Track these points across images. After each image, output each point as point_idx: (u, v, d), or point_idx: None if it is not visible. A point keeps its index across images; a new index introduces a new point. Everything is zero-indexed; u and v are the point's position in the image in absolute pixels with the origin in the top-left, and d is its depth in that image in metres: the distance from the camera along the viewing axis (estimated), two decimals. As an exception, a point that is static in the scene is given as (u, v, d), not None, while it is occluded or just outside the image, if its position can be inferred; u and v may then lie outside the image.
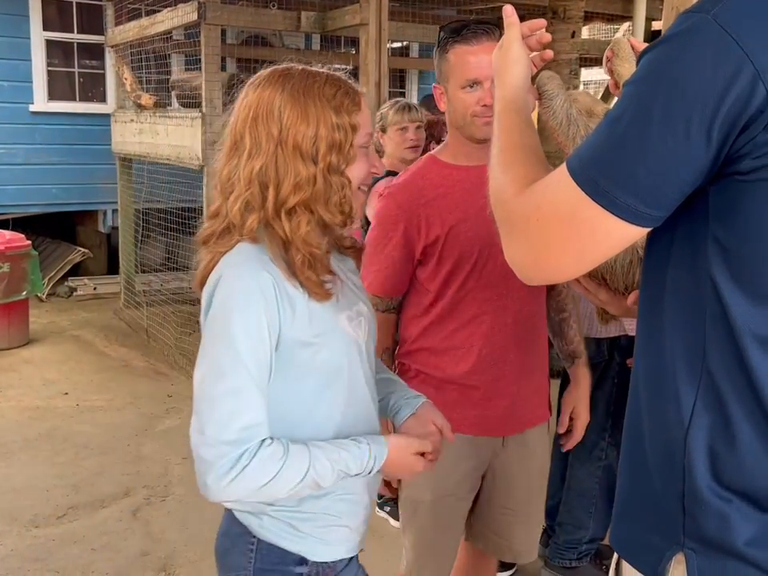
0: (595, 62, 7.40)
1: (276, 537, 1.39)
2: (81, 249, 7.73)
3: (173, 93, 6.71)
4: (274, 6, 5.63)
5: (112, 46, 6.84)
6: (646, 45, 1.32)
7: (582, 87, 7.55)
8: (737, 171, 0.88)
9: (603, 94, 6.35)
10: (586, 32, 8.20)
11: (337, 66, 1.44)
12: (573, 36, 5.52)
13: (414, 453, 1.43)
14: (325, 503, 1.41)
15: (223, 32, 6.61)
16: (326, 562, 1.42)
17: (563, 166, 0.97)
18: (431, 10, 7.24)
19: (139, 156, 6.43)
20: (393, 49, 8.81)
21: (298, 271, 1.32)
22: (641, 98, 0.90)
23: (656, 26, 6.29)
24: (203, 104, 5.13)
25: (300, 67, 1.38)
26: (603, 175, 0.91)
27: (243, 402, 1.27)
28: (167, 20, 5.55)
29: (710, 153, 0.87)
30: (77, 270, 7.81)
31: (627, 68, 1.32)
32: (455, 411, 1.90)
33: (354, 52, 8.36)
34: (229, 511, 1.46)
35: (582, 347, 2.20)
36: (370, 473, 1.37)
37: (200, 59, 5.17)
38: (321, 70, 1.39)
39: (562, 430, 1.81)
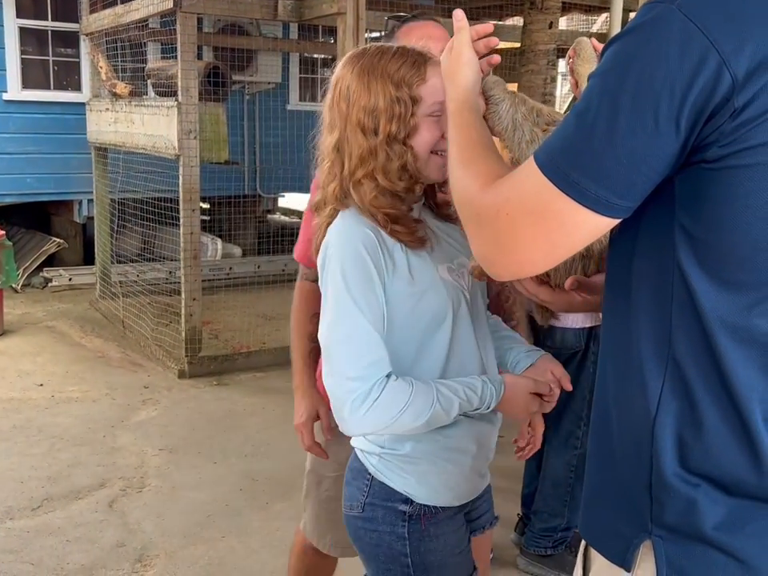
0: (573, 52, 7.40)
1: (385, 477, 1.52)
2: (56, 239, 7.66)
3: (148, 81, 6.65)
4: (250, -6, 5.59)
5: (87, 34, 6.75)
6: None
7: (559, 78, 7.56)
8: (703, 160, 0.89)
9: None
10: (563, 23, 8.21)
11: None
12: (550, 27, 5.52)
13: (529, 392, 1.52)
14: (428, 448, 1.50)
15: (200, 20, 6.57)
16: (429, 506, 1.51)
17: (531, 160, 0.97)
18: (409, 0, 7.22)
19: (114, 145, 6.36)
20: (371, 38, 8.78)
21: (383, 228, 1.45)
22: (608, 89, 0.90)
23: (632, 16, 6.31)
24: (179, 93, 5.08)
25: (376, 45, 1.49)
26: (573, 167, 0.91)
27: (364, 341, 1.40)
28: (142, 8, 5.49)
29: (678, 142, 0.88)
30: (52, 261, 7.74)
31: (588, 69, 1.33)
32: None
33: (332, 41, 8.34)
34: (353, 449, 1.60)
35: None
36: (488, 408, 1.48)
37: (176, 48, 5.12)
38: (393, 45, 1.48)
39: (522, 443, 1.83)
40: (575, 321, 2.82)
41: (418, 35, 1.94)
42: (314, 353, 2.02)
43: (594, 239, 0.98)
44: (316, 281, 2.05)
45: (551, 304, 1.40)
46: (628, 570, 1.00)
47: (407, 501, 1.50)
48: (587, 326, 2.84)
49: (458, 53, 1.27)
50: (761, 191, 0.87)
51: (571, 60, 1.37)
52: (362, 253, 1.41)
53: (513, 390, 1.50)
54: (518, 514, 3.22)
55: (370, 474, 1.54)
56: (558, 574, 3.01)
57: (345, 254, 1.43)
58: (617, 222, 0.94)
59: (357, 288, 1.40)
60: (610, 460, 1.05)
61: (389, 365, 1.41)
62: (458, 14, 1.31)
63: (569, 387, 1.63)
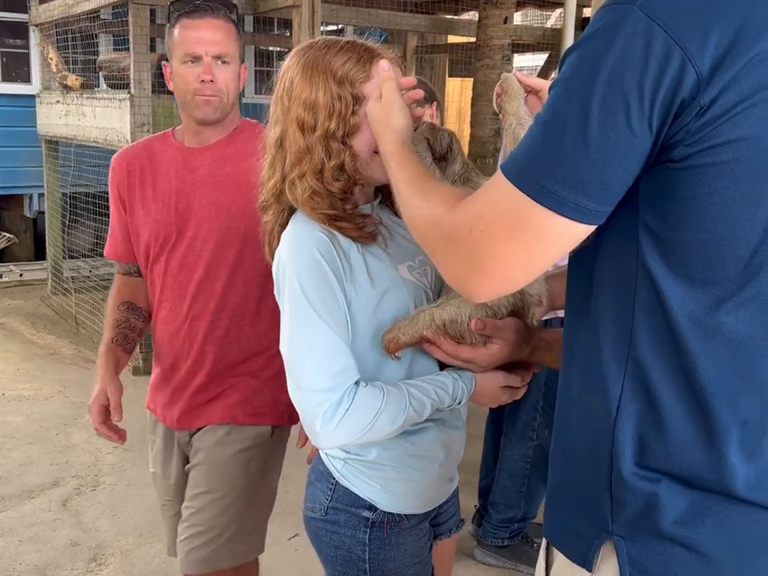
0: (528, 47, 7.47)
1: (350, 482, 1.49)
2: (6, 234, 7.48)
3: (100, 74, 6.54)
4: (204, -14, 5.52)
5: (36, 25, 6.61)
6: (535, 80, 1.36)
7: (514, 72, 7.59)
8: (669, 159, 0.89)
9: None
10: (518, 18, 8.26)
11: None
12: (505, 22, 5.55)
13: (500, 386, 1.50)
14: (395, 456, 1.48)
15: (153, 12, 6.47)
16: (393, 513, 1.49)
17: (499, 175, 0.95)
18: (365, -7, 7.20)
19: (66, 138, 6.25)
20: (327, 32, 8.75)
21: (330, 226, 1.40)
22: (575, 95, 0.89)
23: (587, 12, 6.38)
24: (132, 85, 5.00)
25: (326, 39, 1.44)
26: (546, 176, 0.90)
27: (328, 350, 1.35)
28: (93, -1, 5.40)
29: (650, 141, 0.88)
30: (2, 256, 7.59)
31: (515, 105, 1.34)
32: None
33: (287, 35, 8.28)
34: (318, 451, 1.57)
35: None
36: (459, 403, 1.46)
37: (128, 39, 5.04)
38: (343, 39, 1.42)
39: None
40: None
41: (194, 38, 1.89)
42: (117, 338, 2.05)
43: (571, 248, 0.96)
44: (126, 273, 2.15)
45: (474, 362, 1.41)
46: (589, 570, 1.00)
47: (371, 507, 1.49)
48: (543, 318, 2.86)
49: (389, 100, 1.30)
50: (726, 189, 0.87)
51: (499, 98, 1.38)
52: (317, 258, 1.36)
53: (483, 385, 1.49)
54: (475, 506, 3.24)
55: (334, 478, 1.52)
56: (514, 564, 3.05)
57: (299, 261, 1.37)
58: (593, 228, 0.94)
59: (315, 295, 1.35)
60: (570, 460, 1.06)
61: (357, 372, 1.37)
62: (384, 65, 1.35)
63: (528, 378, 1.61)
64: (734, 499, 0.95)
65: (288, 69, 1.43)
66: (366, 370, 1.42)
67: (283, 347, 1.40)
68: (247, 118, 2.13)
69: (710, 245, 0.90)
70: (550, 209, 0.90)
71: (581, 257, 1.02)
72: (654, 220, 0.92)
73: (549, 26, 8.12)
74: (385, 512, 1.49)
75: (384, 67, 1.35)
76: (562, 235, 0.92)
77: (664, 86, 0.85)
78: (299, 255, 1.38)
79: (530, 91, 1.36)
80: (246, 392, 2.04)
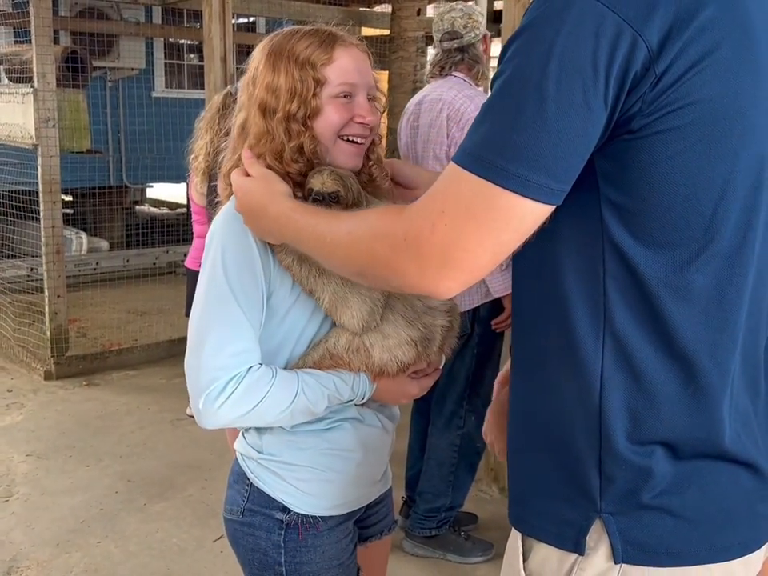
0: (440, 40, 7.49)
1: (263, 483, 1.47)
2: None
3: (1, 68, 6.28)
4: (109, -24, 5.36)
5: (-71, 17, 6.30)
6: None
7: (428, 66, 7.64)
8: (628, 131, 0.91)
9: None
10: (431, 10, 8.31)
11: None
12: (419, 13, 5.58)
13: (407, 375, 1.48)
14: (308, 455, 1.46)
15: (56, 3, 6.24)
16: (307, 515, 1.46)
17: (453, 168, 0.95)
18: (276, -16, 7.12)
19: (-35, 135, 5.97)
20: (239, 24, 8.62)
21: None
22: (528, 78, 0.90)
23: (498, 5, 6.44)
24: (35, 79, 4.81)
25: (292, 27, 1.45)
26: (509, 160, 0.90)
27: (232, 331, 1.34)
28: (-9, -12, 5.17)
29: (606, 117, 0.90)
30: None
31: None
32: None
33: (198, 26, 8.13)
34: (236, 452, 1.56)
35: None
36: (363, 398, 1.45)
37: (30, 32, 4.84)
38: (307, 27, 1.44)
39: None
40: (461, 304, 2.86)
41: None
42: None
43: (533, 230, 0.96)
44: None
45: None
46: (581, 553, 1.01)
47: (284, 509, 1.46)
48: (473, 306, 2.88)
49: (262, 173, 1.35)
50: (684, 151, 0.91)
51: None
52: (245, 236, 1.35)
53: (386, 380, 1.46)
54: (402, 497, 3.24)
55: (249, 479, 1.49)
56: (443, 554, 3.06)
57: (228, 237, 1.37)
58: (553, 208, 0.94)
59: (234, 273, 1.35)
60: (550, 449, 1.05)
61: (256, 357, 1.37)
62: (247, 153, 1.40)
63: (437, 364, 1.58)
64: (718, 460, 0.99)
65: (254, 58, 1.44)
66: (283, 353, 1.42)
67: (192, 317, 1.39)
68: None
69: (673, 208, 0.93)
70: (515, 192, 0.90)
71: (537, 242, 1.01)
72: (615, 193, 0.94)
73: (461, 19, 8.18)
74: (299, 514, 1.46)
75: (247, 155, 1.39)
76: (529, 217, 0.93)
77: (617, 63, 0.87)
78: (229, 228, 1.38)
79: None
80: None
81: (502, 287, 2.78)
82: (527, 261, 1.06)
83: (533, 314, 1.08)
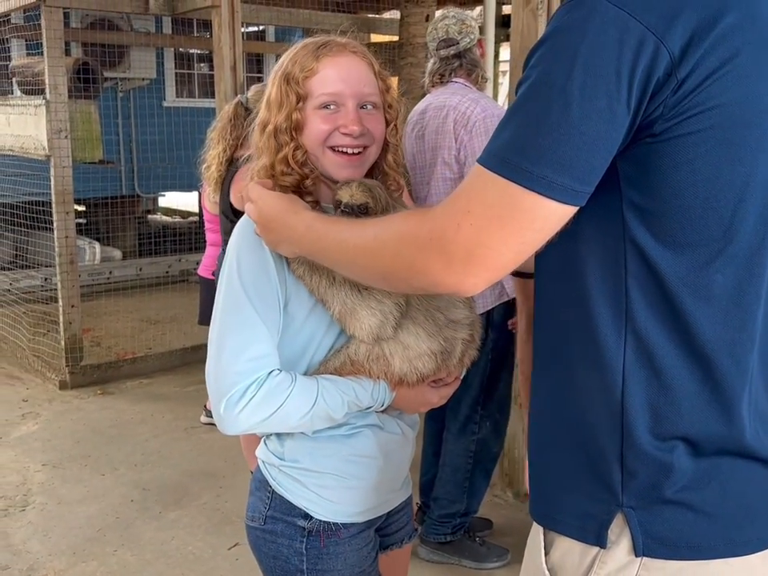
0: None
1: (285, 490, 1.48)
2: None
3: (13, 80, 6.33)
4: (120, -12, 5.39)
5: (-58, 30, 6.36)
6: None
7: (426, 76, 7.65)
8: (650, 134, 0.94)
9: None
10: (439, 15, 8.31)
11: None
12: (427, 19, 5.58)
13: (427, 384, 1.48)
14: (330, 462, 1.46)
15: (66, 15, 6.29)
16: (329, 522, 1.46)
17: (478, 168, 0.97)
18: (285, -7, 7.15)
19: (-21, 148, 6.02)
20: (248, 32, 8.66)
21: None
22: (553, 83, 0.92)
23: (506, 9, 6.44)
24: (47, 91, 4.85)
25: (303, 40, 1.47)
26: (534, 163, 0.92)
27: (249, 335, 1.35)
28: (3, 2, 5.22)
29: (629, 121, 0.93)
30: None
31: None
32: None
33: (208, 36, 8.16)
34: (258, 459, 1.56)
35: None
36: (382, 406, 1.45)
37: (42, 44, 4.88)
38: (308, 40, 1.46)
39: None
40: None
41: None
42: None
43: (557, 230, 0.99)
44: None
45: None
46: (603, 546, 1.03)
47: (306, 516, 1.46)
48: (486, 309, 2.87)
49: (262, 195, 1.35)
50: (705, 155, 0.94)
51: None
52: (260, 246, 1.37)
53: (407, 388, 1.46)
54: (417, 503, 3.24)
55: (270, 486, 1.49)
56: (458, 559, 3.05)
57: (243, 245, 1.39)
58: (576, 209, 0.97)
59: (249, 279, 1.36)
60: (568, 446, 1.08)
61: (275, 361, 1.37)
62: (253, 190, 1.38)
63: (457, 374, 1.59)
64: (738, 456, 1.02)
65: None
66: (303, 361, 1.43)
67: (211, 325, 1.41)
68: None
69: (694, 209, 0.96)
70: (540, 193, 0.93)
71: (558, 244, 1.04)
72: (637, 195, 0.97)
73: (469, 24, 8.19)
74: (321, 521, 1.46)
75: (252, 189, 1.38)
76: (552, 218, 0.95)
77: (639, 69, 0.90)
78: (242, 241, 1.40)
79: None
80: None
81: None
82: (550, 261, 1.09)
83: (554, 313, 1.10)
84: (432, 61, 3.00)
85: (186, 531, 3.31)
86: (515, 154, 0.94)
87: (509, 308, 2.88)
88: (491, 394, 2.97)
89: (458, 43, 2.89)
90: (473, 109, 2.76)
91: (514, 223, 0.95)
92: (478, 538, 3.09)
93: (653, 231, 0.97)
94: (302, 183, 1.42)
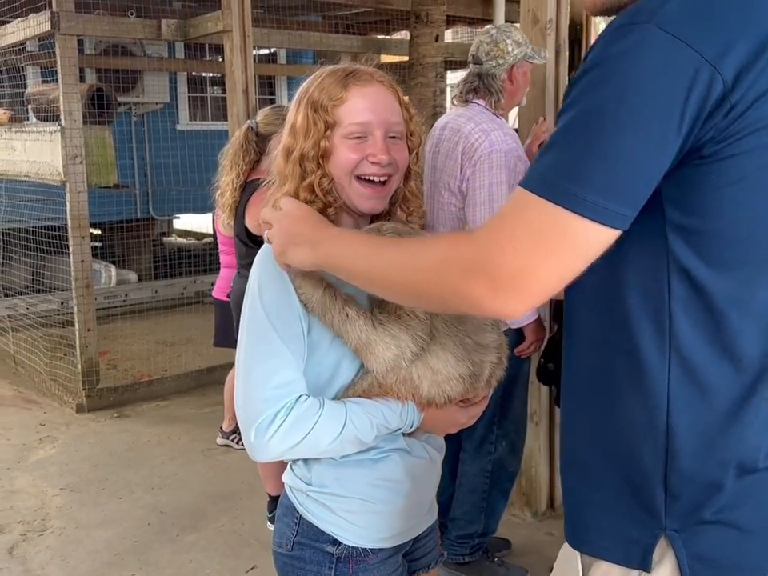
0: (460, 64, 7.55)
1: (312, 515, 1.47)
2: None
3: (29, 107, 6.40)
4: (132, 15, 5.46)
5: (-41, 60, 6.45)
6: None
7: (448, 89, 7.70)
8: (698, 157, 0.94)
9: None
10: (449, 35, 8.36)
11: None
12: (437, 40, 5.61)
13: (455, 404, 1.47)
14: (357, 486, 1.45)
15: (80, 42, 6.37)
16: (357, 548, 1.46)
17: (522, 192, 0.97)
18: (296, 16, 7.22)
19: (-5, 174, 6.09)
20: (260, 55, 8.73)
21: None
22: (603, 110, 0.92)
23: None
24: (62, 117, 4.90)
25: (326, 67, 1.47)
26: (583, 187, 0.92)
27: (275, 363, 1.36)
28: (18, 31, 5.28)
29: (679, 146, 0.93)
30: (-67, 298, 7.33)
31: None
32: None
33: (220, 59, 8.24)
34: (285, 485, 1.56)
35: None
36: (411, 427, 1.44)
37: (56, 71, 4.94)
38: (332, 67, 1.46)
39: None
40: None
41: None
42: None
43: (599, 255, 0.98)
44: None
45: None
46: (647, 570, 1.03)
47: (334, 542, 1.45)
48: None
49: (289, 209, 1.34)
50: (753, 173, 0.94)
51: None
52: (281, 273, 1.37)
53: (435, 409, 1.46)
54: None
55: (298, 512, 1.49)
56: (477, 580, 3.03)
57: (264, 273, 1.40)
58: (621, 232, 0.96)
59: (272, 306, 1.37)
60: (608, 469, 1.08)
61: (302, 387, 1.38)
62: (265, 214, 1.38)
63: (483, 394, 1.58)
64: None
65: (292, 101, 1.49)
66: (332, 385, 1.42)
67: (237, 354, 1.42)
68: None
69: (740, 227, 0.96)
70: (587, 217, 0.93)
71: (598, 268, 1.02)
72: (681, 215, 0.97)
73: (479, 43, 8.22)
74: (349, 546, 1.45)
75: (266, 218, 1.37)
76: (597, 242, 0.95)
77: (693, 97, 0.90)
78: (264, 268, 1.41)
79: None
80: None
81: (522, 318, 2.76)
82: (585, 287, 1.08)
83: (593, 336, 1.10)
84: (467, 73, 2.93)
85: (203, 554, 3.30)
86: (562, 178, 0.94)
87: (520, 331, 2.86)
88: (506, 414, 2.95)
89: (481, 63, 2.82)
90: (481, 141, 2.69)
91: (559, 248, 0.94)
92: (496, 559, 3.07)
93: (697, 251, 0.97)
94: (325, 211, 1.42)
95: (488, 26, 2.95)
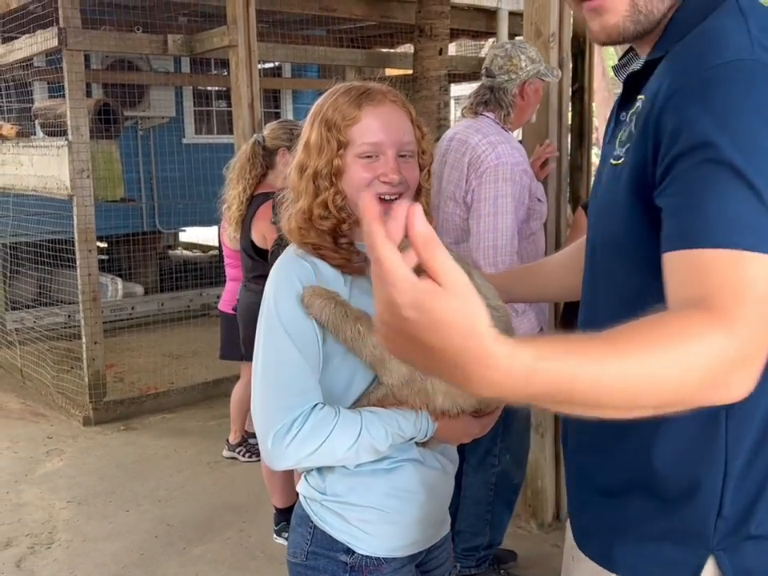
0: (464, 77, 7.59)
1: (326, 525, 1.48)
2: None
3: (36, 122, 6.45)
4: (138, 30, 5.51)
5: (-32, 75, 6.50)
6: None
7: (452, 102, 7.73)
8: None
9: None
10: (453, 48, 8.40)
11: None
12: (440, 53, 5.64)
13: (468, 414, 1.48)
14: (371, 496, 1.46)
15: (87, 57, 6.42)
16: (371, 557, 1.47)
17: (729, 257, 0.87)
18: (301, 30, 7.26)
19: (3, 189, 6.12)
20: (265, 69, 8.78)
21: (315, 255, 1.45)
22: (763, 146, 0.90)
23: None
24: (69, 132, 4.94)
25: (340, 84, 1.50)
26: None
27: (291, 372, 1.38)
28: (26, 47, 5.33)
29: None
30: (-59, 312, 7.36)
31: None
32: None
33: (225, 74, 8.29)
34: (299, 495, 1.57)
35: None
36: (425, 436, 1.45)
37: (63, 86, 4.98)
38: (347, 85, 1.48)
39: None
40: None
41: None
42: None
43: None
44: None
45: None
46: None
47: (349, 551, 1.46)
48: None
49: (457, 296, 0.77)
50: None
51: None
52: (296, 284, 1.40)
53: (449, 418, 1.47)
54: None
55: (312, 521, 1.50)
56: (483, 592, 3.03)
57: (279, 284, 1.43)
58: None
59: (288, 317, 1.39)
60: (650, 489, 1.06)
61: (317, 396, 1.40)
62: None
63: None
64: None
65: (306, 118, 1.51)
66: (348, 394, 1.43)
67: (253, 364, 1.44)
68: None
69: None
70: None
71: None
72: None
73: (483, 56, 8.27)
74: (363, 555, 1.46)
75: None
76: None
77: None
78: (279, 280, 1.44)
79: None
80: None
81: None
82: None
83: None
84: (479, 85, 2.94)
85: (210, 567, 3.31)
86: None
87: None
88: (510, 426, 2.95)
89: (494, 77, 2.82)
90: (488, 153, 2.69)
91: None
92: (502, 571, 3.07)
93: None
94: (339, 227, 1.45)
95: (503, 41, 2.96)
